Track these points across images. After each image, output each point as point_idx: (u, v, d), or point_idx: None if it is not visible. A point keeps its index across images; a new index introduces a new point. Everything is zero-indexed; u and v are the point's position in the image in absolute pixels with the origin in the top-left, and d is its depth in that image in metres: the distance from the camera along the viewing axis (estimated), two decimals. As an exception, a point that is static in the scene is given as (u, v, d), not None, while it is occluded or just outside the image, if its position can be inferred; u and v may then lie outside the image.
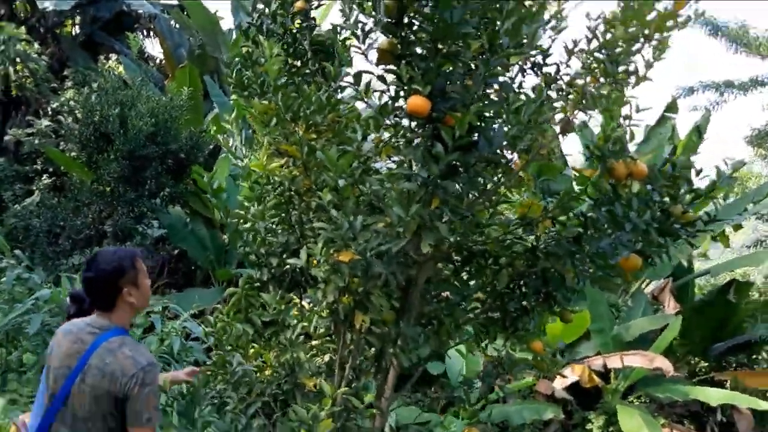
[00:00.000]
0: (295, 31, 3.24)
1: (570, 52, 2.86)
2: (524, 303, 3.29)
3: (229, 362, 3.09)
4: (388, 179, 2.70)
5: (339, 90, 3.14)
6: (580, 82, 2.82)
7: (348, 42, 3.20)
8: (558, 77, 2.87)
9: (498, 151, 2.73)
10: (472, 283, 3.36)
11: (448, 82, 2.59)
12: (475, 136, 2.68)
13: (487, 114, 2.62)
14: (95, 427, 2.37)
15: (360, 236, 2.64)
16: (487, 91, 2.63)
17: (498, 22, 2.59)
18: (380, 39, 2.80)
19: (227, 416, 2.98)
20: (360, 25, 2.89)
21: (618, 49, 2.76)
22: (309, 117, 2.98)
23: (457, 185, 2.65)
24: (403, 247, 2.68)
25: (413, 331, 3.16)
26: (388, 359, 3.16)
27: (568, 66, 2.87)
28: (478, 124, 2.63)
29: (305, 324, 3.03)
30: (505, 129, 2.62)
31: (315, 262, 2.79)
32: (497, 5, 2.59)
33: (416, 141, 2.73)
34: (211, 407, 2.92)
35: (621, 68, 2.77)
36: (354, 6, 2.86)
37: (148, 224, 8.60)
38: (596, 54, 2.79)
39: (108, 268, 2.42)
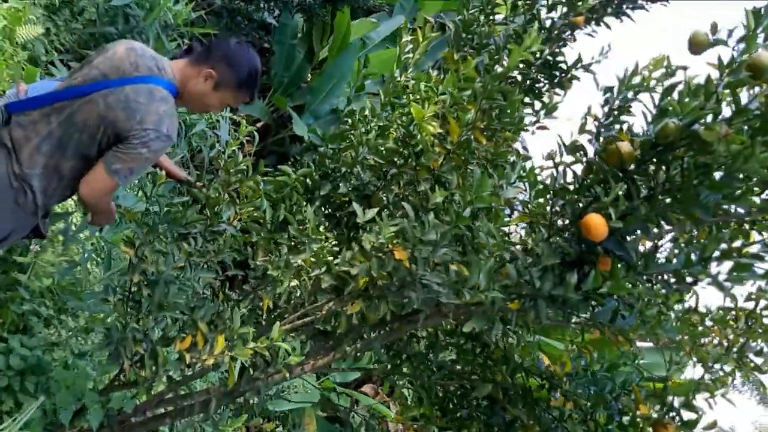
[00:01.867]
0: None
1: None
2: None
3: (219, 215, 2.82)
4: (496, 244, 2.36)
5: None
6: None
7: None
8: None
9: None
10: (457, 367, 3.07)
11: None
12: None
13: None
14: (81, 140, 2.17)
15: (432, 252, 2.33)
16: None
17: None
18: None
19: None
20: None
21: None
22: (500, 117, 2.63)
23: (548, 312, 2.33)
24: (449, 301, 2.37)
25: (380, 353, 2.90)
26: (339, 348, 2.90)
27: None
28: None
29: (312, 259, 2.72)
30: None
31: (370, 234, 2.48)
32: None
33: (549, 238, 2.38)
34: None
35: None
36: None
37: (263, 7, 8.10)
38: None
39: (222, 48, 2.34)
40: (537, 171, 2.53)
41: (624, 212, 2.12)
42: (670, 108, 2.07)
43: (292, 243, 2.68)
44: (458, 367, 3.14)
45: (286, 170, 2.89)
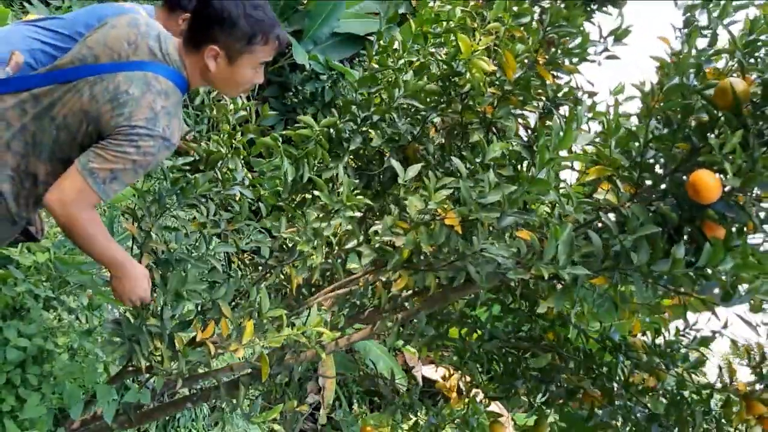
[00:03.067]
0: None
1: None
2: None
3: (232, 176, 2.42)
4: (576, 207, 1.96)
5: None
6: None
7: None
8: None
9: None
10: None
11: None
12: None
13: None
14: (58, 139, 1.74)
15: (498, 220, 1.94)
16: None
17: None
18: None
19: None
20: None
21: None
22: (562, 47, 2.18)
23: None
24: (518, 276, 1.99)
25: (425, 326, 2.55)
26: (379, 322, 2.55)
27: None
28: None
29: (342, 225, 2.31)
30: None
31: (414, 197, 2.07)
32: None
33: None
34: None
35: None
36: None
37: None
38: None
39: (225, 9, 1.75)
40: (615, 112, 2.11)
41: (740, 168, 1.71)
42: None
43: (322, 210, 2.27)
44: (509, 333, 2.81)
45: (308, 121, 2.45)
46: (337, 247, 2.34)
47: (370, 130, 2.47)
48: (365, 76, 2.40)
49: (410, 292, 2.50)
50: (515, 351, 2.84)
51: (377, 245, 2.20)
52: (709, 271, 1.67)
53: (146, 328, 2.15)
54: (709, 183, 1.70)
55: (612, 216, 1.96)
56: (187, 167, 2.40)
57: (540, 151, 1.76)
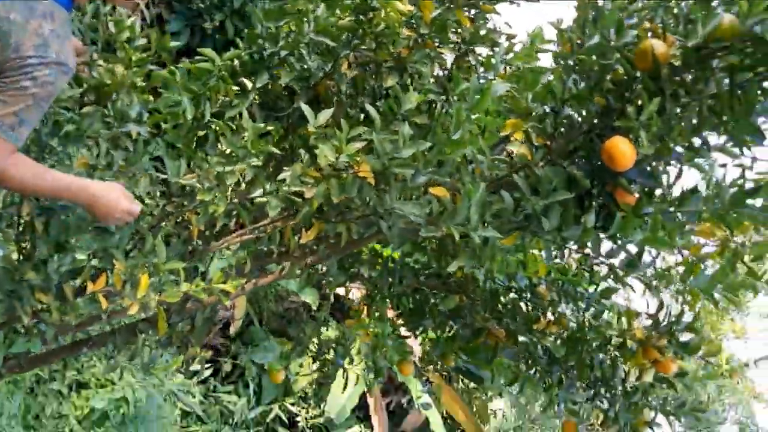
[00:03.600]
0: None
1: None
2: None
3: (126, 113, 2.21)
4: (490, 165, 1.90)
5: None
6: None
7: None
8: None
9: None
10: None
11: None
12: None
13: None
14: None
15: (412, 178, 1.86)
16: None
17: None
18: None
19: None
20: None
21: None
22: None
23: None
24: (429, 235, 1.93)
25: (335, 271, 2.49)
26: (287, 267, 2.46)
27: None
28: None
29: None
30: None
31: (326, 145, 1.95)
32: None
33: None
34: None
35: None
36: None
37: None
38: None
39: None
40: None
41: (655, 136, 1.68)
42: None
43: (223, 155, 2.11)
44: (418, 270, 2.80)
45: (209, 54, 2.24)
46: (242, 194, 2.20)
47: (278, 66, 2.29)
48: (272, 10, 2.19)
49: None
50: (424, 289, 2.84)
51: (284, 196, 2.08)
52: (619, 241, 1.67)
53: (27, 282, 1.97)
54: (623, 151, 1.67)
55: (524, 174, 1.91)
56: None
57: (456, 113, 1.67)
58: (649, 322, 2.24)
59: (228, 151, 2.09)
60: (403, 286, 2.65)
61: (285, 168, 2.15)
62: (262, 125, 2.04)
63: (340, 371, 2.97)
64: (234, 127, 2.16)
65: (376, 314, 2.88)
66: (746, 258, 2.30)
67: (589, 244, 1.84)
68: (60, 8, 1.59)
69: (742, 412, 11.52)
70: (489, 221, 1.86)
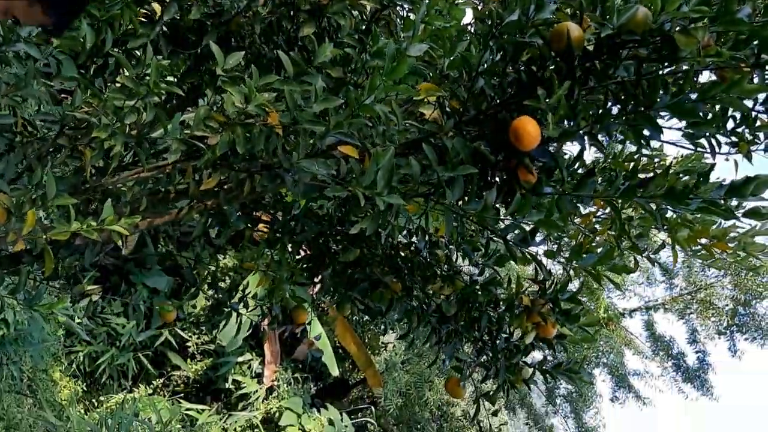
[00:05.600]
0: None
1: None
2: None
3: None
4: (400, 132, 1.90)
5: None
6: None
7: None
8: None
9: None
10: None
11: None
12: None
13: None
14: None
15: (314, 126, 1.82)
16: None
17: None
18: None
19: None
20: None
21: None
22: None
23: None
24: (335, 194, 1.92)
25: (236, 218, 2.44)
26: (184, 210, 2.39)
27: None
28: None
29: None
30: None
31: (234, 89, 1.87)
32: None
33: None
34: None
35: None
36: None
37: None
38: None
39: None
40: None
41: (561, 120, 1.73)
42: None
43: (123, 91, 1.99)
44: (321, 219, 2.79)
45: (114, -22, 2.07)
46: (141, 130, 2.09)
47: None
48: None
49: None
50: (326, 238, 2.84)
51: (186, 139, 2.00)
52: (516, 218, 1.73)
53: None
54: (530, 131, 1.70)
55: (433, 141, 1.92)
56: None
57: (370, 80, 1.64)
58: (537, 287, 2.35)
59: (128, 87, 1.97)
60: (303, 236, 2.64)
61: (189, 108, 2.07)
62: (167, 62, 1.94)
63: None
64: (136, 60, 2.04)
65: (276, 258, 2.86)
66: (632, 233, 2.45)
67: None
68: None
69: (613, 358, 12.48)
70: (395, 185, 1.87)
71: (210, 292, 3.35)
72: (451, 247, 2.62)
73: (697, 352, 12.59)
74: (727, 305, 11.83)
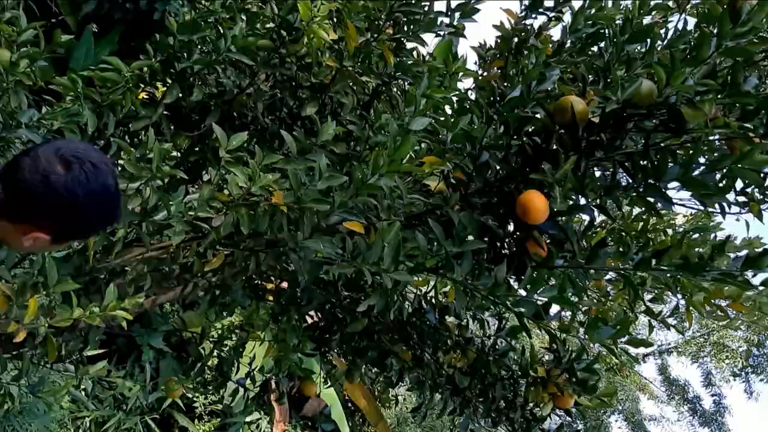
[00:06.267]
0: None
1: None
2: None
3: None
4: (405, 205, 1.88)
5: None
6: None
7: None
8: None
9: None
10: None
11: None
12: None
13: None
14: None
15: (319, 205, 1.80)
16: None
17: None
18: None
19: None
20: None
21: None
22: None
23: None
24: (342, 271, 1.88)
25: (240, 294, 2.41)
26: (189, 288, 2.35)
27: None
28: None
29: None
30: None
31: (238, 170, 1.86)
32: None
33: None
34: None
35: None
36: None
37: None
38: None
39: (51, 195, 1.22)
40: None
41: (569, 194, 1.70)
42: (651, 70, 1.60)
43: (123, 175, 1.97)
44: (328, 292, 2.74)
45: (116, 63, 2.08)
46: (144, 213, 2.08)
47: (191, 81, 2.17)
48: (187, 22, 2.06)
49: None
50: (333, 311, 2.80)
51: (190, 221, 1.98)
52: (528, 294, 1.69)
53: None
54: (538, 207, 1.68)
55: (439, 214, 1.90)
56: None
57: (375, 158, 1.62)
58: (552, 356, 2.29)
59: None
60: (308, 308, 2.60)
61: (191, 189, 2.05)
62: (169, 146, 1.93)
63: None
64: (138, 141, 2.03)
65: (285, 324, 2.82)
66: (646, 297, 2.40)
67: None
68: None
69: (629, 406, 12.25)
70: (402, 260, 1.83)
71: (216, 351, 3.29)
72: (461, 312, 2.58)
73: (712, 395, 12.37)
74: (740, 346, 11.65)
